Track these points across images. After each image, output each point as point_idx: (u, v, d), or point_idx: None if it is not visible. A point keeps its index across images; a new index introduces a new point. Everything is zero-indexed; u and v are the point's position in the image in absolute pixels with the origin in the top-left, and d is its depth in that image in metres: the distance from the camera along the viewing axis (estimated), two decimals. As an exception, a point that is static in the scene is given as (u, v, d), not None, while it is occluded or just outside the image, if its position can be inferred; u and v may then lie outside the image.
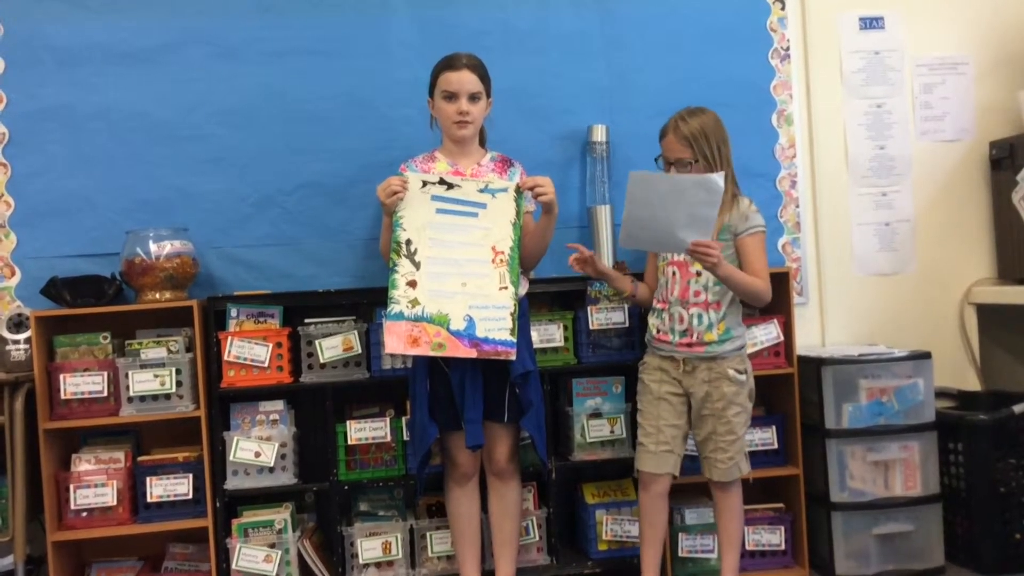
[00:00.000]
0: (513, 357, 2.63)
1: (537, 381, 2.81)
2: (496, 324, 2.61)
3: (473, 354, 2.60)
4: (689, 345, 2.76)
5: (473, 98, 2.75)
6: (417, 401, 2.77)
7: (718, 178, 2.49)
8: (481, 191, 2.65)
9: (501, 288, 2.63)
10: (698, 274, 2.76)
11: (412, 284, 2.59)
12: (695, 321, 2.75)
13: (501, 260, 2.63)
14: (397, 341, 2.58)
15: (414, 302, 2.59)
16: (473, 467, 2.85)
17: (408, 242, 2.61)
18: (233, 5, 3.26)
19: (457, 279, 2.61)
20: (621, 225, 2.64)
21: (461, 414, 2.72)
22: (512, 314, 2.62)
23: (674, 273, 2.80)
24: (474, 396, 2.71)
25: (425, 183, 2.63)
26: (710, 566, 3.12)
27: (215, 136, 3.24)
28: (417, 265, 2.60)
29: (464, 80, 2.73)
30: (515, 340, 2.62)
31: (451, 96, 2.74)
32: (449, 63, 2.76)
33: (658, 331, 2.80)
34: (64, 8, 3.19)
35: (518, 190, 2.67)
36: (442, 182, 2.65)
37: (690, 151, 2.74)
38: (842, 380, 3.15)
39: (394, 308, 2.59)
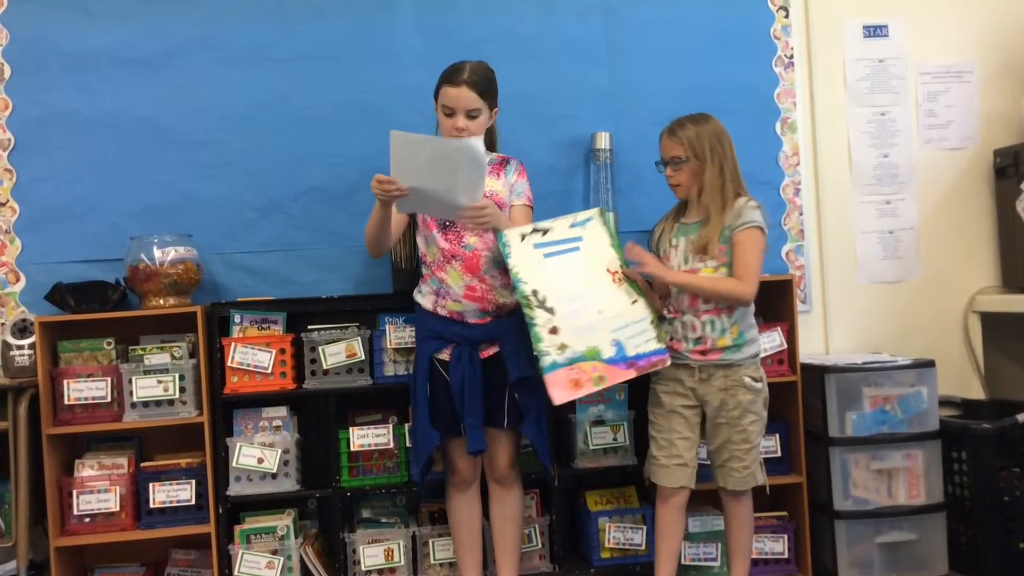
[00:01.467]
0: (668, 363, 2.66)
1: (538, 387, 2.75)
2: (641, 338, 2.63)
3: (632, 374, 2.62)
4: (703, 353, 2.73)
5: (471, 115, 2.72)
6: (418, 407, 2.77)
7: (477, 142, 2.56)
8: (572, 227, 2.70)
9: (632, 303, 2.66)
10: None
11: (554, 331, 2.58)
12: (708, 328, 2.73)
13: (619, 279, 2.67)
14: (561, 391, 2.55)
15: (562, 347, 2.57)
16: (473, 473, 2.85)
17: (535, 292, 2.60)
18: (238, 12, 3.27)
19: (592, 310, 2.62)
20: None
21: (461, 420, 2.72)
22: (652, 322, 2.65)
23: None
24: (474, 402, 2.71)
25: (523, 236, 2.66)
26: (713, 574, 3.12)
27: (220, 142, 3.25)
28: (551, 311, 2.59)
29: (462, 97, 2.69)
30: (664, 346, 2.65)
31: (450, 112, 2.72)
32: (450, 77, 2.72)
33: (672, 339, 2.79)
34: (70, 14, 3.20)
35: (601, 213, 2.73)
36: (535, 230, 2.69)
37: (682, 148, 2.74)
38: (846, 388, 3.15)
39: (546, 360, 2.56)
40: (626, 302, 2.65)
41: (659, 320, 2.69)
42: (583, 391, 2.57)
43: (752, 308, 2.78)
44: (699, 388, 2.75)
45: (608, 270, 2.67)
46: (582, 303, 2.61)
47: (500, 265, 2.77)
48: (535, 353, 2.57)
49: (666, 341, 2.67)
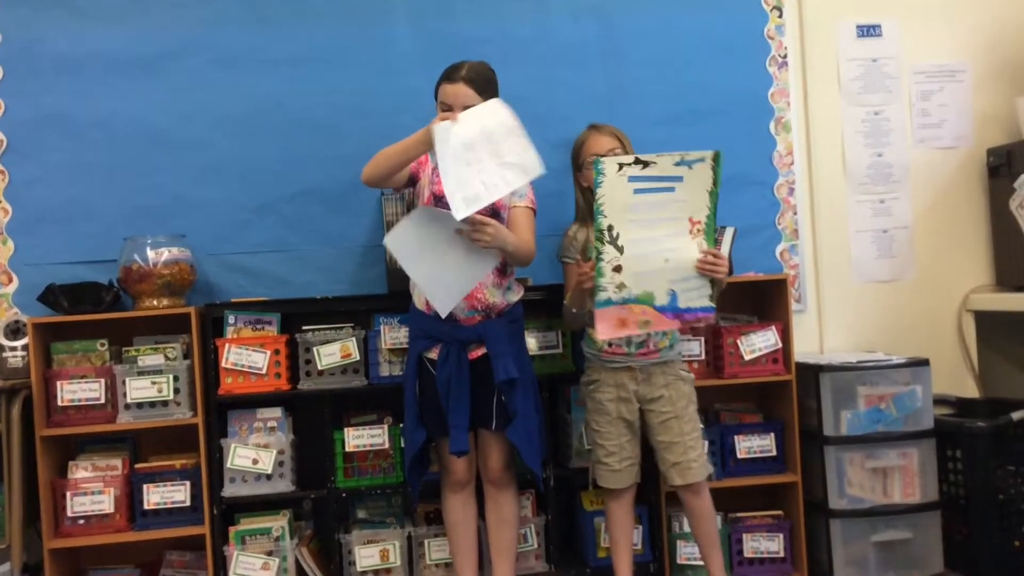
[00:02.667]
0: (712, 320, 2.69)
1: (528, 390, 2.77)
2: (697, 293, 2.60)
3: (676, 325, 2.64)
4: (645, 354, 2.81)
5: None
6: (408, 405, 2.77)
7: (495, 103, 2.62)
8: (677, 164, 2.60)
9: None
10: None
11: (618, 269, 2.56)
12: (656, 334, 2.80)
13: (698, 230, 2.60)
14: (607, 326, 2.57)
15: (621, 286, 2.56)
16: (467, 474, 2.84)
17: (610, 228, 2.56)
18: (232, 14, 3.27)
19: (659, 256, 2.58)
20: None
21: (446, 419, 2.72)
22: (711, 280, 2.62)
23: None
24: (459, 402, 2.69)
25: (621, 165, 2.58)
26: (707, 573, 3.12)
27: (214, 144, 3.25)
28: (621, 249, 2.56)
29: (459, 94, 2.68)
30: (715, 306, 2.63)
31: (447, 108, 2.71)
32: (448, 75, 2.72)
33: (610, 345, 2.81)
34: (63, 16, 3.19)
35: (715, 158, 2.60)
36: (637, 161, 2.59)
37: (616, 142, 2.89)
38: (840, 387, 3.15)
39: (602, 295, 2.55)
40: (694, 255, 2.59)
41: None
42: (627, 331, 2.60)
43: None
44: (641, 388, 2.81)
45: (691, 219, 2.59)
46: (652, 248, 2.57)
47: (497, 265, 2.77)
48: (596, 288, 2.56)
49: (716, 302, 2.66)
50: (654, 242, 2.57)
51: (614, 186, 2.56)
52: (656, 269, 2.57)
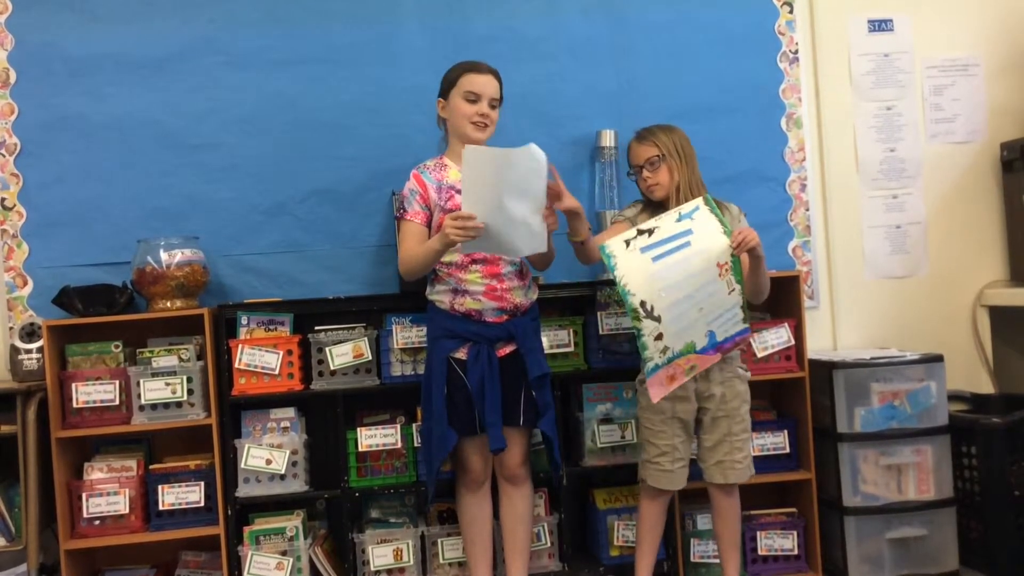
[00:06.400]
0: (749, 338, 2.71)
1: (550, 384, 2.83)
2: (731, 322, 2.62)
3: (718, 357, 2.65)
4: None
5: (492, 104, 2.77)
6: (435, 408, 2.75)
7: (537, 148, 2.53)
8: (678, 220, 2.63)
9: (730, 292, 2.61)
10: None
11: (659, 337, 2.57)
12: None
13: (726, 270, 2.60)
14: (659, 389, 2.60)
15: (664, 350, 2.58)
16: (485, 473, 2.85)
17: (643, 304, 2.55)
18: (244, 14, 3.27)
19: (694, 309, 2.59)
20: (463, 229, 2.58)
21: (481, 419, 2.72)
22: (743, 307, 2.63)
23: None
24: (493, 400, 2.71)
25: (627, 242, 2.61)
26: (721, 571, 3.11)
27: (226, 144, 3.25)
28: (658, 319, 2.56)
29: (489, 85, 2.76)
30: (748, 325, 2.65)
31: (475, 98, 2.74)
32: (474, 66, 2.77)
33: None
34: (75, 19, 3.21)
35: (707, 201, 2.66)
36: (640, 232, 2.62)
37: (656, 149, 2.83)
38: (854, 384, 3.14)
39: (649, 364, 2.57)
40: (725, 293, 2.59)
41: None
42: (676, 384, 2.62)
43: None
44: (700, 386, 2.78)
45: (718, 263, 2.59)
46: (687, 305, 2.57)
47: (517, 267, 2.79)
48: (643, 360, 2.58)
49: (748, 322, 2.66)
50: (689, 300, 2.57)
51: (629, 263, 2.57)
52: (693, 320, 2.58)
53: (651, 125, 2.90)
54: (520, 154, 2.52)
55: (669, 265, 2.57)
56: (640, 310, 2.54)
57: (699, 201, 2.66)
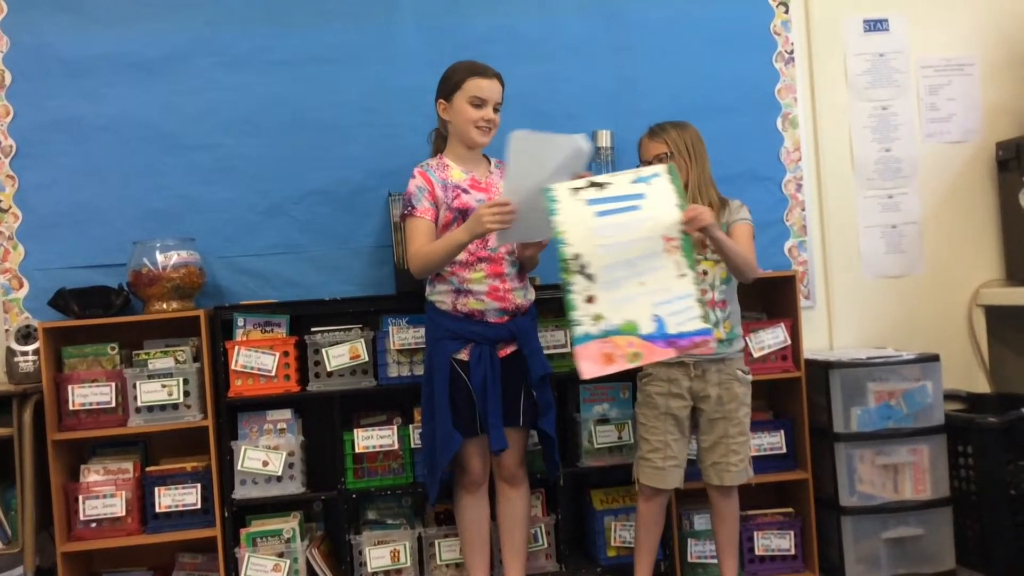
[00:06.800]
0: (711, 344, 2.45)
1: (550, 385, 2.83)
2: (685, 315, 2.39)
3: (672, 353, 2.40)
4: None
5: (497, 108, 2.78)
6: (438, 410, 2.73)
7: (584, 139, 2.48)
8: (634, 182, 2.48)
9: (679, 276, 2.42)
10: (704, 273, 2.77)
11: (591, 300, 2.37)
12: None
13: (674, 247, 2.43)
14: (591, 364, 2.35)
15: (597, 317, 2.36)
16: (485, 474, 2.85)
17: (576, 257, 2.39)
18: (240, 15, 3.27)
19: (635, 280, 2.39)
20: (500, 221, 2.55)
21: (483, 419, 2.72)
22: (699, 300, 2.41)
23: None
24: (495, 400, 2.71)
25: (576, 189, 2.45)
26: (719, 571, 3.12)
27: (223, 145, 3.25)
28: (591, 278, 2.38)
29: (495, 89, 2.76)
30: (709, 327, 2.42)
31: (480, 103, 2.74)
32: (480, 70, 2.76)
33: None
34: (71, 20, 3.20)
35: (669, 170, 2.51)
36: (592, 184, 2.47)
37: (665, 146, 2.81)
38: (850, 383, 3.14)
39: (578, 330, 2.36)
40: (673, 274, 2.41)
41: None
42: (615, 367, 2.36)
43: (738, 306, 2.86)
44: (695, 385, 2.77)
45: (664, 236, 2.43)
46: (625, 272, 2.39)
47: (517, 267, 2.79)
48: (570, 322, 2.39)
49: (711, 322, 2.47)
50: (628, 265, 2.40)
51: (572, 211, 2.42)
52: (633, 295, 2.39)
53: (664, 121, 2.88)
54: (566, 141, 2.46)
55: (613, 224, 2.42)
56: (572, 263, 2.38)
57: (662, 168, 2.53)
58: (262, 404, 3.06)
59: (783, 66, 3.51)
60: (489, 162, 2.88)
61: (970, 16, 3.64)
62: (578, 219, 2.41)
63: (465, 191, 2.73)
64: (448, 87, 2.78)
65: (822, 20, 3.56)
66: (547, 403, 2.78)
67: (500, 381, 2.73)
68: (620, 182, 2.47)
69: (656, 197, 2.46)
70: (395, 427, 3.05)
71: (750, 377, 2.84)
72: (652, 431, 2.81)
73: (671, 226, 2.44)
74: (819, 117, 3.55)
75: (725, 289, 2.79)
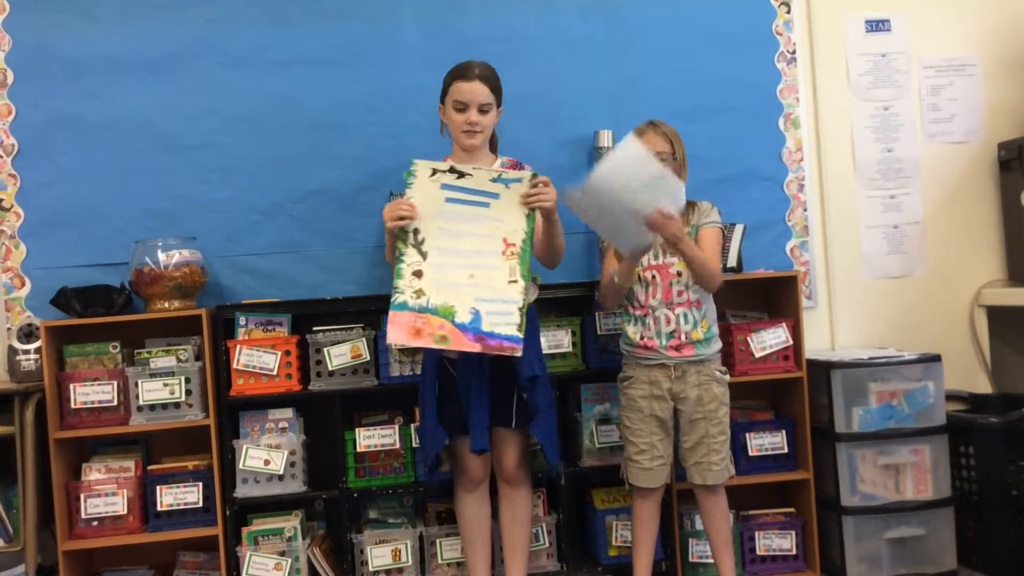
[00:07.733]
0: (519, 353, 2.55)
1: (546, 386, 2.81)
2: (503, 318, 2.51)
3: (477, 348, 2.52)
4: (678, 348, 2.78)
5: (483, 110, 2.74)
6: (426, 406, 2.77)
7: (682, 189, 2.59)
8: (494, 180, 2.58)
9: (510, 281, 2.55)
10: (679, 274, 2.78)
11: (418, 274, 2.53)
12: (682, 321, 2.78)
13: (512, 252, 2.55)
14: (399, 332, 2.51)
15: (419, 292, 2.52)
16: (483, 473, 2.85)
17: (416, 231, 2.55)
18: (241, 15, 3.27)
19: (464, 270, 2.54)
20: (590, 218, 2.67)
21: (467, 418, 2.72)
22: (521, 309, 2.53)
23: (653, 276, 2.80)
24: (480, 401, 2.71)
25: (435, 171, 2.56)
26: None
27: (224, 145, 3.26)
28: (424, 255, 2.54)
29: (476, 91, 2.72)
30: (522, 336, 2.52)
31: (462, 107, 2.73)
32: (462, 73, 2.74)
33: (642, 338, 2.81)
34: (72, 20, 3.21)
35: (534, 178, 2.59)
36: (453, 171, 2.58)
37: (668, 146, 2.81)
38: (852, 383, 3.14)
39: (398, 297, 2.52)
40: (503, 278, 2.53)
41: (529, 321, 2.65)
42: (420, 342, 2.51)
43: (714, 305, 2.88)
44: (675, 386, 2.79)
45: (505, 240, 2.55)
46: (457, 260, 2.53)
47: None
48: (393, 289, 2.53)
49: (523, 333, 2.53)
50: (461, 255, 2.54)
51: (424, 190, 2.55)
52: (458, 283, 2.53)
53: (666, 124, 2.88)
54: (670, 178, 2.56)
55: (458, 212, 2.55)
56: (411, 235, 2.54)
57: (527, 174, 2.60)
58: (263, 403, 3.07)
59: (785, 66, 3.51)
60: (495, 160, 2.86)
61: (972, 16, 3.64)
62: (428, 198, 2.55)
63: None
64: (442, 91, 2.79)
65: (824, 20, 3.56)
66: (538, 405, 2.74)
67: (489, 381, 2.72)
68: (480, 177, 2.58)
69: (509, 201, 2.57)
70: (396, 426, 3.05)
71: (727, 377, 2.86)
72: (638, 434, 2.83)
73: (514, 232, 2.55)
74: (821, 117, 3.55)
75: (699, 289, 2.80)
